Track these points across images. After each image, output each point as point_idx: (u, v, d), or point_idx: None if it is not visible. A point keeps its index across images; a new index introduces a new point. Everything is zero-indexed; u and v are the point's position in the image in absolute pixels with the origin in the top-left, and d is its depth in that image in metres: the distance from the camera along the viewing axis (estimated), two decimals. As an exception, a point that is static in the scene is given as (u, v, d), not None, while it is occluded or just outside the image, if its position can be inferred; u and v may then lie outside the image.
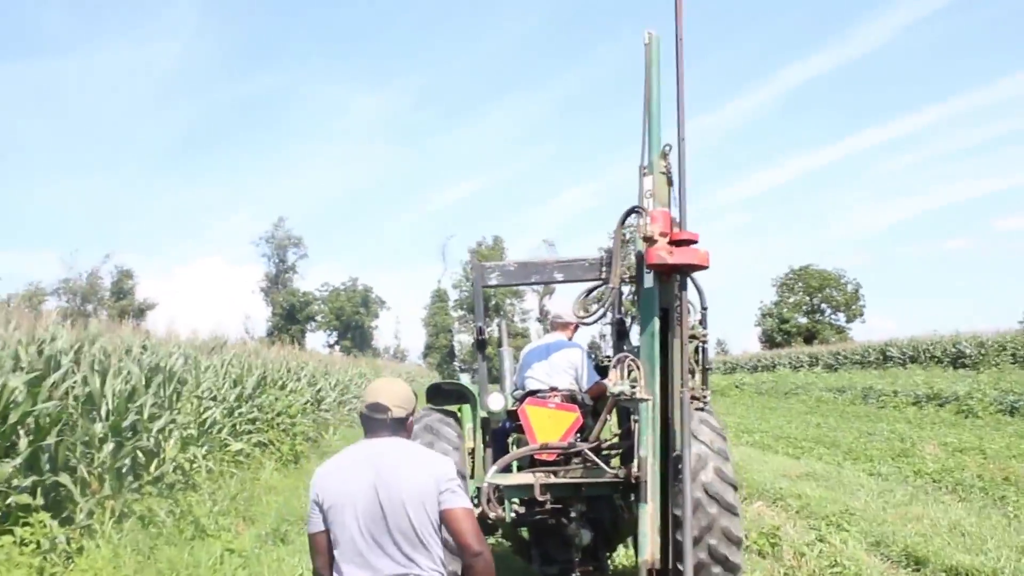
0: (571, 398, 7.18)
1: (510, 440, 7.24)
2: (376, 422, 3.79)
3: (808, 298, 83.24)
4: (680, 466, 5.69)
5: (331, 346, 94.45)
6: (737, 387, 44.72)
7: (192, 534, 10.01)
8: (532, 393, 7.23)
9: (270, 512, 11.22)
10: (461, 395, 7.39)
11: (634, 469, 5.96)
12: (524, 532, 7.29)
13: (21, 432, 8.42)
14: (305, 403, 20.92)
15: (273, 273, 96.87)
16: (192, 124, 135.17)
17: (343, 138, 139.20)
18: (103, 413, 10.21)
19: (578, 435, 6.80)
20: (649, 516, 5.85)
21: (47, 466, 8.82)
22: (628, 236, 6.61)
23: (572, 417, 6.86)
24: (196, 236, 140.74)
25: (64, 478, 8.78)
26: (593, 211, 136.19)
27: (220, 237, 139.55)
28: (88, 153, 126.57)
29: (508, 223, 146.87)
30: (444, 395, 7.45)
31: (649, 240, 5.78)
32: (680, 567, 5.69)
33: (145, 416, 11.46)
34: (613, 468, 6.60)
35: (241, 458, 14.09)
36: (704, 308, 6.36)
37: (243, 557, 8.07)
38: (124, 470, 10.53)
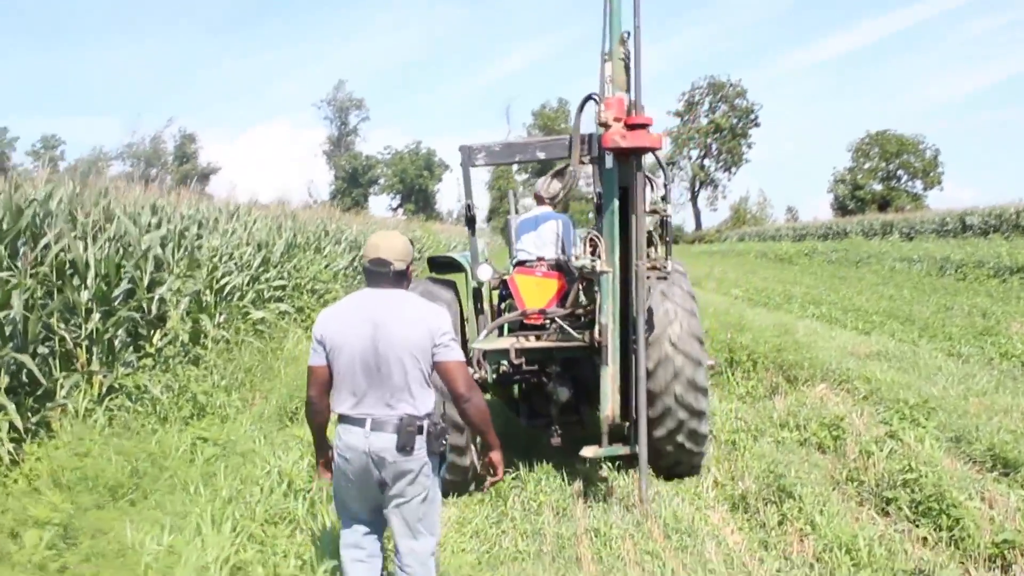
0: (557, 267, 7.58)
1: (503, 306, 7.97)
2: (378, 275, 4.06)
3: (884, 164, 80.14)
4: (643, 331, 6.28)
5: (394, 209, 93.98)
6: (806, 255, 42.82)
7: (191, 412, 9.16)
8: (522, 263, 7.74)
9: (282, 386, 10.32)
10: (460, 266, 7.81)
11: (596, 335, 6.49)
12: (516, 390, 7.87)
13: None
14: (345, 268, 19.97)
15: (335, 136, 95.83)
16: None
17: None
18: (88, 280, 9.23)
19: (564, 301, 7.28)
20: (610, 377, 6.46)
21: (14, 340, 7.89)
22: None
23: (557, 284, 7.37)
24: (261, 100, 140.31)
25: (29, 357, 7.84)
26: (661, 75, 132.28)
27: (285, 101, 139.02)
28: (151, 17, 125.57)
29: (575, 86, 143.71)
30: (443, 266, 8.05)
31: (604, 125, 6.14)
32: (652, 433, 6.52)
33: (145, 283, 10.51)
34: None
35: (262, 327, 13.16)
36: (666, 185, 7.26)
37: (219, 447, 7.06)
38: (117, 342, 9.62)
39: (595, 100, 6.42)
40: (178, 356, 10.13)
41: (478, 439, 6.57)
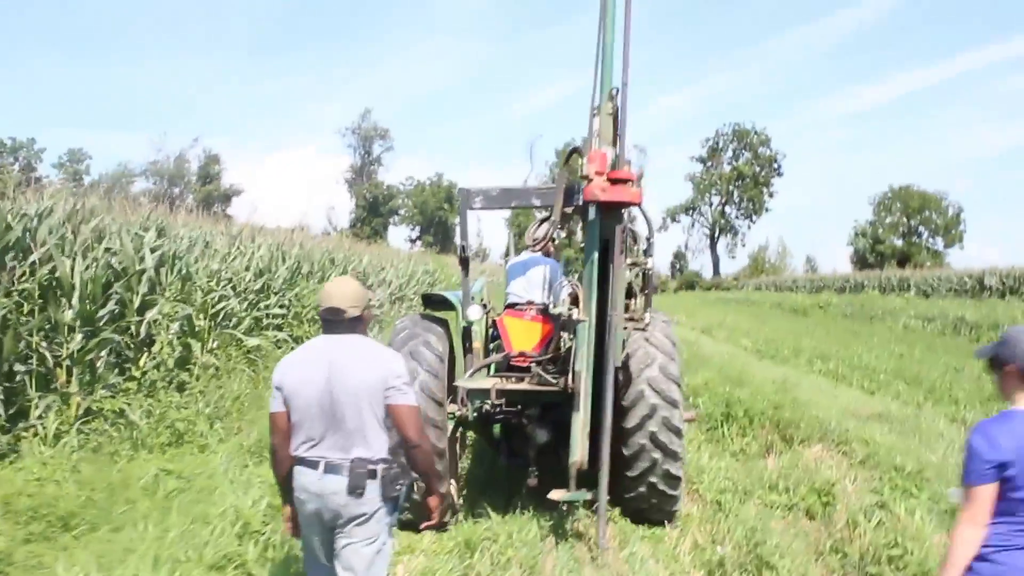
0: (545, 310, 7.59)
1: (491, 347, 8.04)
2: (334, 323, 4.10)
3: (906, 219, 79.78)
4: (612, 381, 6.38)
5: (412, 241, 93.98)
6: (820, 308, 42.40)
7: (168, 440, 9.00)
8: (512, 306, 7.86)
9: (267, 416, 10.08)
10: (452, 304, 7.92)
11: (570, 381, 6.57)
12: (498, 430, 7.91)
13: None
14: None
15: (358, 165, 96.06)
16: (285, 10, 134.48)
17: (439, 31, 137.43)
18: (74, 300, 9.08)
19: (551, 344, 7.44)
20: (580, 423, 6.45)
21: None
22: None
23: (544, 328, 7.47)
24: (288, 125, 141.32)
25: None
26: (686, 121, 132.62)
27: (311, 127, 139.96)
28: (183, 36, 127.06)
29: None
30: (437, 303, 8.12)
31: (586, 178, 6.22)
32: (626, 473, 6.86)
33: (135, 305, 10.37)
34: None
35: (255, 355, 12.95)
36: (649, 239, 7.20)
37: (183, 480, 6.84)
38: (100, 364, 9.46)
39: (580, 153, 6.55)
40: (162, 381, 9.94)
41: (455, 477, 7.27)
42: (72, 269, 9.16)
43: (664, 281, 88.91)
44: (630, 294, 7.09)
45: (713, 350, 20.92)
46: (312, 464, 4.01)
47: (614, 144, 6.43)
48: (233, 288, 13.63)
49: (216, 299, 12.63)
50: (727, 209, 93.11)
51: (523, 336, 7.50)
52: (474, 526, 6.91)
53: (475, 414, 7.36)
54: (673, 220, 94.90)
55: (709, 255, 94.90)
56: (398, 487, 4.09)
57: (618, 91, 6.42)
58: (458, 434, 8.04)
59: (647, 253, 7.21)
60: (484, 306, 8.04)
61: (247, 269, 14.56)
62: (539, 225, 8.01)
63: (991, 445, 3.27)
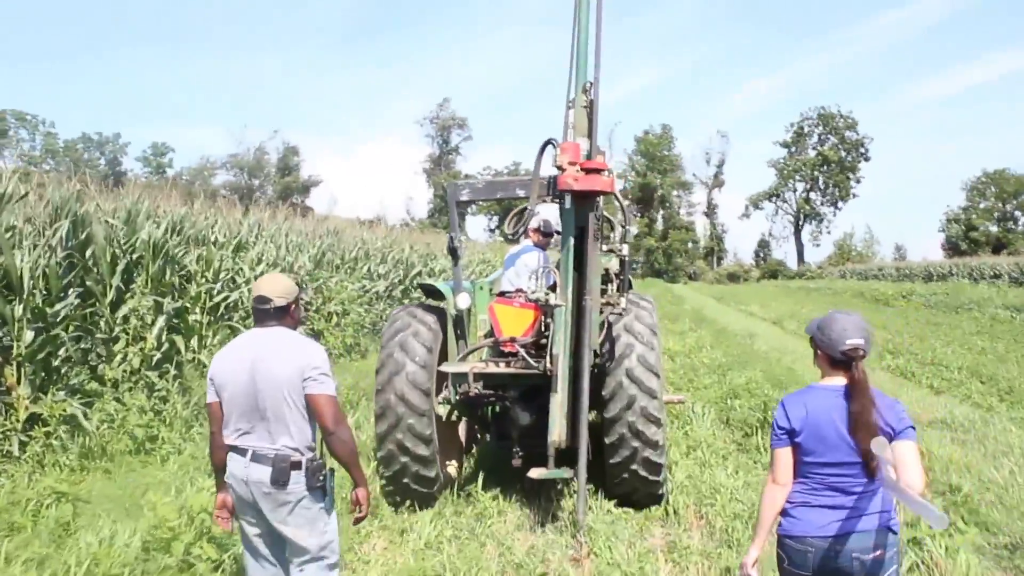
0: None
1: (483, 334, 8.18)
2: (261, 312, 4.25)
3: (1001, 204, 76.23)
4: (588, 362, 6.56)
5: (491, 231, 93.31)
6: (904, 297, 40.26)
7: (127, 448, 8.19)
8: (503, 294, 8.18)
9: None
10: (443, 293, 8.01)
11: (548, 363, 6.78)
12: (489, 413, 8.18)
13: None
14: (386, 288, 18.88)
15: (436, 154, 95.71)
16: (371, 4, 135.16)
17: (517, 20, 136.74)
18: (24, 295, 8.28)
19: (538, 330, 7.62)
20: (558, 403, 6.64)
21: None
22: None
23: (533, 315, 7.59)
24: (372, 116, 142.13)
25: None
26: (775, 106, 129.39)
27: (398, 117, 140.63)
28: (272, 31, 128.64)
29: (684, 113, 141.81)
30: (432, 292, 8.25)
31: (560, 168, 6.40)
32: (608, 461, 7.08)
33: (107, 299, 9.58)
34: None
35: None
36: (624, 227, 7.41)
37: (84, 504, 5.90)
38: (58, 363, 8.67)
39: (554, 145, 6.65)
40: (127, 382, 9.10)
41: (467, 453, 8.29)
42: (22, 260, 8.36)
43: (747, 270, 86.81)
44: (607, 280, 7.29)
45: (775, 344, 19.57)
46: (241, 452, 4.12)
47: (588, 135, 6.57)
48: (233, 279, 12.79)
49: (216, 291, 11.81)
50: (812, 195, 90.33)
51: (512, 322, 7.66)
52: (429, 557, 5.92)
53: (457, 397, 7.49)
54: (756, 207, 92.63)
55: (793, 243, 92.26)
56: (321, 477, 4.15)
57: (591, 85, 6.61)
58: (455, 418, 8.18)
59: (623, 240, 7.36)
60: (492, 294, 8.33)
61: (259, 260, 13.74)
62: (516, 215, 7.99)
63: (784, 414, 3.60)
